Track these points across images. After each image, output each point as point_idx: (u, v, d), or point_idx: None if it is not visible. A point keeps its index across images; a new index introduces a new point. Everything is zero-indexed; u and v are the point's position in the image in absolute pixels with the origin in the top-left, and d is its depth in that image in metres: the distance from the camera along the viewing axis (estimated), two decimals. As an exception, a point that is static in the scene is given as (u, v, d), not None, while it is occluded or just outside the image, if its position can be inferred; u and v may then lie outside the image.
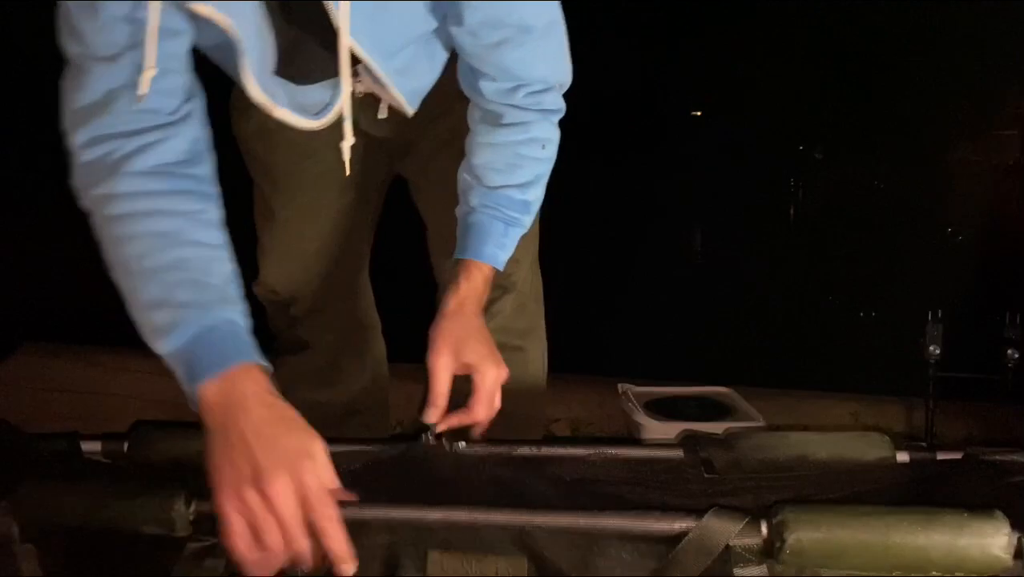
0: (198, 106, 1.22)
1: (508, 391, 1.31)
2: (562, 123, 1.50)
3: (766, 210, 2.67)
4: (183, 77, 1.20)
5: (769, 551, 1.04)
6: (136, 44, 1.13)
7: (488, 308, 1.54)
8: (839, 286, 2.71)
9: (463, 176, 1.41)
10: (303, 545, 1.02)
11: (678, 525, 1.03)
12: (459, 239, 1.38)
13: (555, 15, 1.29)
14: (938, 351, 1.79)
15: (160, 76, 1.20)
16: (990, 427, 1.54)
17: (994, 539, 0.91)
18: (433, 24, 1.29)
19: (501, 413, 1.29)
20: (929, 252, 2.63)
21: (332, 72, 1.33)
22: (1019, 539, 0.94)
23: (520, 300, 1.59)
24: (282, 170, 1.49)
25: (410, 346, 1.60)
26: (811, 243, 2.74)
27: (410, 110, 1.39)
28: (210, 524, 1.19)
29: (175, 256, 1.14)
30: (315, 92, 1.34)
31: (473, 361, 1.30)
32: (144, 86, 1.24)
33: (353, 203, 1.62)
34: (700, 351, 2.16)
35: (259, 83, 1.27)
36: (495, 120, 1.35)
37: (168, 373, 1.31)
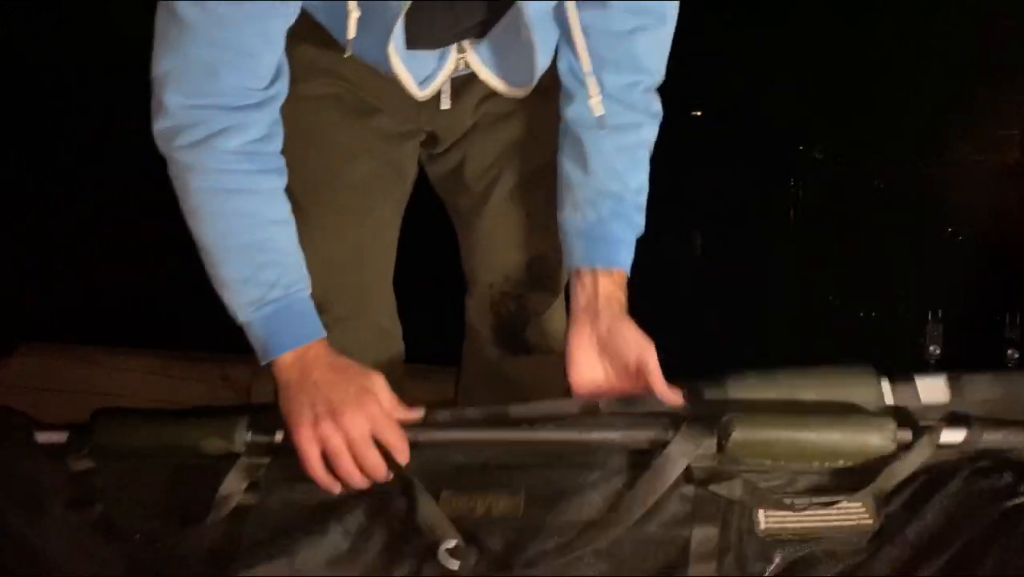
0: (286, 83, 1.25)
1: None
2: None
3: (766, 210, 2.66)
4: (282, 53, 1.23)
5: (721, 448, 1.24)
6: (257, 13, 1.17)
7: (543, 313, 1.54)
8: (839, 286, 2.71)
9: (572, 183, 1.41)
10: (374, 462, 1.22)
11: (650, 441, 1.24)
12: (586, 248, 1.37)
13: (676, 9, 1.30)
14: (938, 351, 1.80)
15: (275, 38, 1.22)
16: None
17: (883, 432, 1.21)
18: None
19: None
20: (929, 252, 2.63)
21: (448, 39, 1.33)
22: (897, 432, 1.22)
23: (562, 304, 1.58)
24: (321, 173, 1.46)
25: (418, 346, 1.60)
26: (811, 243, 2.73)
27: (503, 87, 1.36)
28: (263, 449, 1.32)
29: (260, 237, 1.27)
30: (422, 60, 1.33)
31: (628, 347, 1.29)
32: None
33: (393, 207, 1.60)
34: (699, 351, 2.16)
35: (396, 42, 1.26)
36: (609, 121, 1.33)
37: (167, 373, 1.40)
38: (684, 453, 1.25)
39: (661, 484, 1.24)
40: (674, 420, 1.28)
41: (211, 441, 1.33)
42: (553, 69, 1.38)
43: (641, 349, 1.28)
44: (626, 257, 1.35)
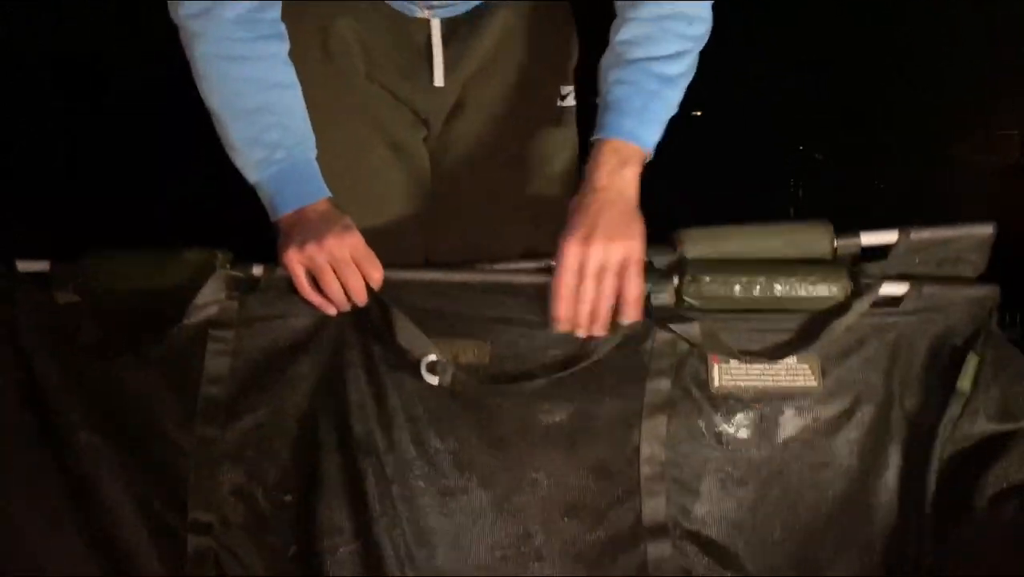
0: None
1: None
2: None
3: (766, 211, 2.68)
4: None
5: (678, 293, 1.33)
6: None
7: None
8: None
9: (603, 61, 1.41)
10: (356, 282, 1.32)
11: None
12: (597, 122, 1.36)
13: None
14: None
15: None
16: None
17: (835, 281, 1.33)
18: None
19: None
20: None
21: None
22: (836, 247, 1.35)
23: None
24: (340, 163, 1.48)
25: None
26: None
27: None
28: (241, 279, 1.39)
29: (263, 100, 1.34)
30: None
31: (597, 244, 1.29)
32: None
33: (411, 200, 1.61)
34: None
35: None
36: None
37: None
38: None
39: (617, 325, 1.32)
40: None
41: (190, 272, 1.38)
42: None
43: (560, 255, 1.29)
44: (632, 126, 1.35)
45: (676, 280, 1.33)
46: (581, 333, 1.30)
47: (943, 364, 1.35)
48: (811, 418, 1.35)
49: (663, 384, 1.34)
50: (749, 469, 1.35)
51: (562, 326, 1.30)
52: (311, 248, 1.30)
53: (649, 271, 1.34)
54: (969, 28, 2.64)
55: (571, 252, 1.27)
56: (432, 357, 1.30)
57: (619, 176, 1.32)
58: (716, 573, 1.36)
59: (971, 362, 1.35)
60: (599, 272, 1.26)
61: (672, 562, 1.34)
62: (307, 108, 1.39)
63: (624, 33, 1.37)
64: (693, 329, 1.33)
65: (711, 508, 1.35)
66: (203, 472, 1.35)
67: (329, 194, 1.36)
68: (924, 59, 2.75)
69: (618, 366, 1.35)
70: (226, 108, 1.34)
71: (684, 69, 1.38)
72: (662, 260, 1.36)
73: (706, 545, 1.35)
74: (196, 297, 1.35)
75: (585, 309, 1.28)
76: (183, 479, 1.35)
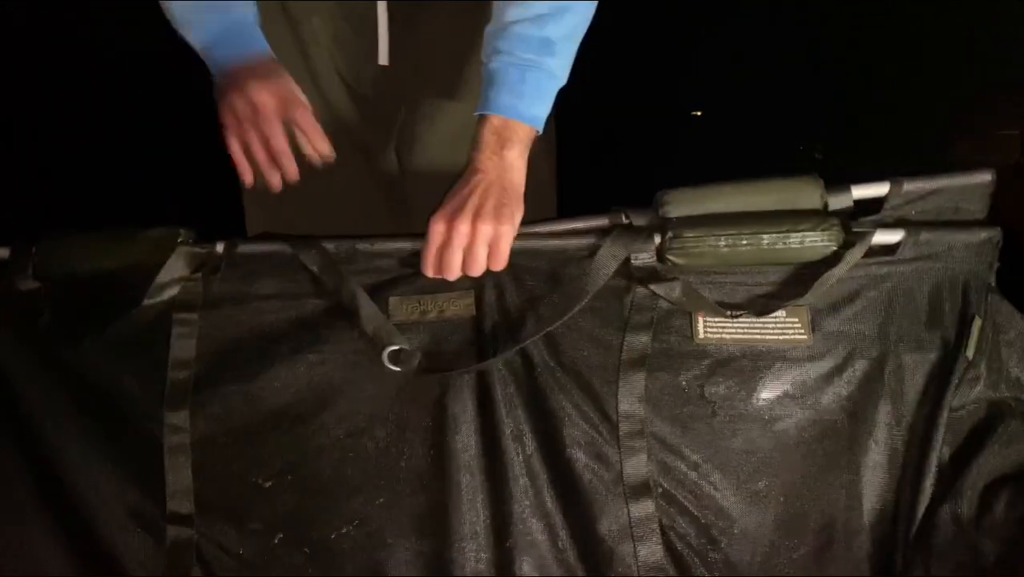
0: None
1: None
2: (560, 122, 1.48)
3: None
4: None
5: (660, 252, 1.29)
6: None
7: None
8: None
9: (486, 27, 1.37)
10: (279, 141, 1.30)
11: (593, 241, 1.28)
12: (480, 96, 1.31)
13: None
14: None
15: None
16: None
17: (825, 231, 1.27)
18: None
19: None
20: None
21: None
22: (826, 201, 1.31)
23: None
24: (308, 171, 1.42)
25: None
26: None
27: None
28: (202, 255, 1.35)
29: None
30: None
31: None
32: None
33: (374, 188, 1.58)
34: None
35: None
36: None
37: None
38: (618, 251, 1.29)
39: (597, 278, 1.29)
40: (612, 227, 1.32)
41: (150, 250, 1.34)
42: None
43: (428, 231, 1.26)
44: (508, 101, 1.30)
45: (658, 238, 1.29)
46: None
47: (943, 316, 1.31)
48: (800, 372, 1.31)
49: (641, 339, 1.30)
50: (734, 425, 1.31)
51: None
52: (233, 96, 1.28)
53: (630, 230, 1.30)
54: (969, 28, 2.63)
55: (436, 230, 1.25)
56: (394, 347, 1.27)
57: (499, 158, 1.28)
58: (700, 531, 1.31)
59: (976, 327, 1.31)
60: (465, 247, 1.25)
61: (655, 520, 1.29)
62: None
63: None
64: (674, 289, 1.29)
65: (694, 465, 1.31)
66: (176, 460, 1.31)
67: (271, 54, 1.33)
68: (924, 59, 2.74)
69: (597, 321, 1.32)
70: None
71: (566, 31, 1.32)
72: (643, 219, 1.32)
73: (689, 502, 1.31)
74: (158, 275, 1.31)
75: (451, 273, 1.27)
76: (156, 468, 1.31)
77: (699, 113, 2.81)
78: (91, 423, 1.33)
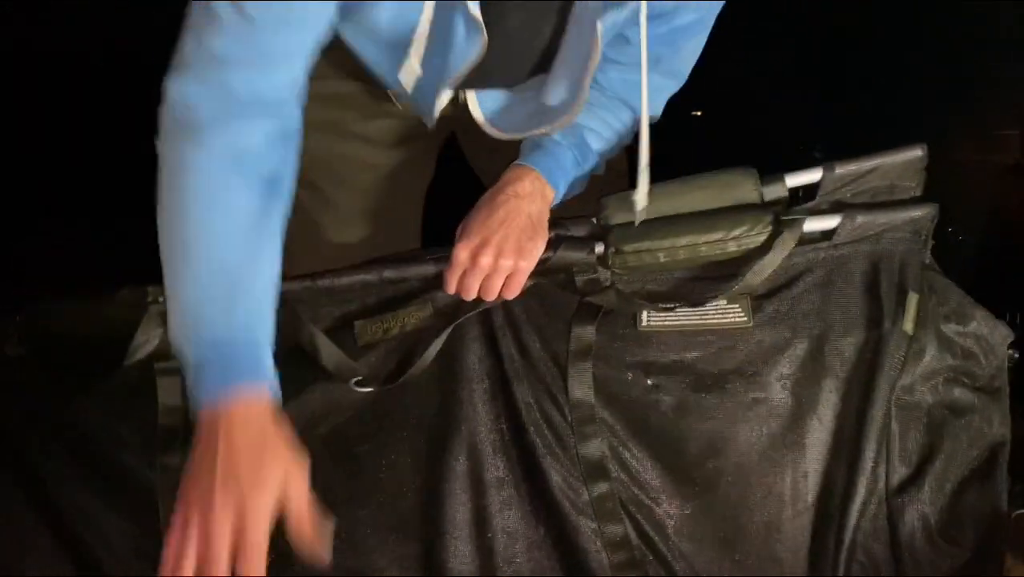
0: (297, 106, 1.18)
1: None
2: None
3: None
4: (302, 73, 1.17)
5: (601, 238, 1.33)
6: (296, 20, 1.12)
7: None
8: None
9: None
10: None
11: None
12: (522, 152, 1.36)
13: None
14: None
15: (297, 55, 1.17)
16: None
17: (755, 222, 1.30)
18: None
19: None
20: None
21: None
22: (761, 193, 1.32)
23: None
24: (350, 166, 1.49)
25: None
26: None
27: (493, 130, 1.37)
28: None
29: (227, 259, 1.11)
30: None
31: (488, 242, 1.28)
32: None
33: (412, 202, 1.62)
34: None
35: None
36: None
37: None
38: (563, 260, 1.34)
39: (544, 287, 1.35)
40: (559, 240, 1.35)
41: (123, 312, 1.36)
42: None
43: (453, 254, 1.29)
44: (551, 167, 1.35)
45: (600, 248, 1.34)
46: None
47: (880, 294, 1.34)
48: (743, 354, 1.35)
49: (587, 331, 1.35)
50: (680, 408, 1.35)
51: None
52: (193, 521, 1.02)
53: (574, 243, 1.35)
54: (970, 28, 2.63)
55: (460, 259, 1.29)
56: (358, 378, 1.34)
57: (540, 198, 1.33)
58: (655, 509, 1.36)
59: (912, 301, 1.34)
60: (485, 273, 1.29)
61: (615, 499, 1.34)
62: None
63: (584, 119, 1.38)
64: (610, 297, 1.34)
65: (643, 448, 1.36)
66: (172, 500, 1.34)
67: (275, 387, 1.10)
68: (924, 59, 2.75)
69: (548, 318, 1.38)
70: (176, 251, 1.11)
71: (607, 151, 1.41)
72: (584, 229, 1.37)
73: (642, 484, 1.35)
74: (136, 336, 1.35)
75: (468, 296, 1.31)
76: (153, 507, 1.33)
77: (699, 113, 2.83)
78: (90, 472, 1.36)
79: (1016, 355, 1.85)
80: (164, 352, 1.35)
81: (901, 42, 2.81)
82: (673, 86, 1.37)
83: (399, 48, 1.23)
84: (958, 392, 1.36)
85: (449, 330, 1.33)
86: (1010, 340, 1.39)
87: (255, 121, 1.13)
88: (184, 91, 1.10)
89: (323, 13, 1.13)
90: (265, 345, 1.10)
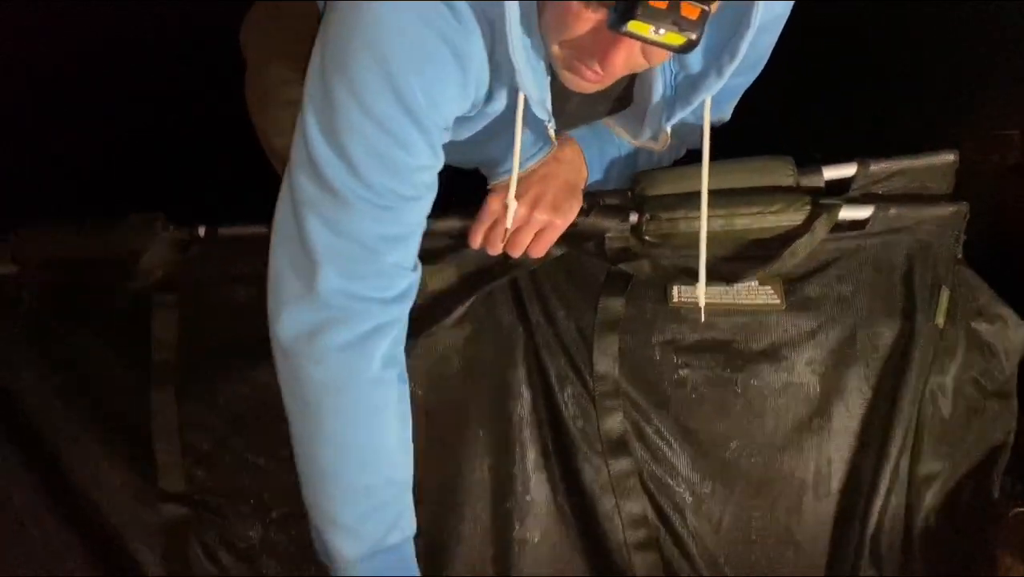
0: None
1: None
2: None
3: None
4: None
5: (634, 229, 1.30)
6: (418, 195, 1.09)
7: None
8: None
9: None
10: None
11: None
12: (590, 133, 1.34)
13: None
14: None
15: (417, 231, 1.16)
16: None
17: (792, 205, 1.29)
18: None
19: None
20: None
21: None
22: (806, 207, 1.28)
23: None
24: None
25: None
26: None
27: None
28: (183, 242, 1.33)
29: (388, 467, 1.13)
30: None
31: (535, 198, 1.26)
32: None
33: None
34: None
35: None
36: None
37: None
38: (595, 226, 1.32)
39: (571, 244, 1.33)
40: (591, 207, 1.32)
41: (131, 237, 1.35)
42: None
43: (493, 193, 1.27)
44: (590, 139, 1.35)
45: (635, 217, 1.32)
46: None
47: (912, 287, 1.34)
48: (774, 336, 1.34)
49: (615, 304, 1.33)
50: (706, 387, 1.35)
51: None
52: None
53: (607, 210, 1.33)
54: (970, 28, 2.64)
55: (492, 208, 1.26)
56: None
57: (578, 170, 1.32)
58: (676, 489, 1.36)
59: (944, 296, 1.34)
60: (517, 224, 1.27)
61: (635, 476, 1.33)
62: None
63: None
64: (643, 267, 1.33)
65: (666, 426, 1.35)
66: (165, 440, 1.32)
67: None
68: (924, 58, 2.75)
69: (577, 289, 1.36)
70: (343, 478, 1.11)
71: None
72: (618, 199, 1.35)
73: (664, 461, 1.34)
74: (142, 260, 1.33)
75: (494, 250, 1.28)
76: (148, 448, 1.32)
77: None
78: (80, 405, 1.35)
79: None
80: (166, 284, 1.33)
81: (901, 42, 2.82)
82: (715, 125, 1.36)
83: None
84: (976, 391, 1.36)
85: (473, 298, 1.32)
86: None
87: (403, 306, 1.14)
88: (344, 288, 1.07)
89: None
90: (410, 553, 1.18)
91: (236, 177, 1.59)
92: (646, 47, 0.94)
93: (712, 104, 1.26)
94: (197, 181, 1.63)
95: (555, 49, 1.02)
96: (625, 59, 0.97)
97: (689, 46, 0.91)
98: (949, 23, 2.55)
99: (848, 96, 2.93)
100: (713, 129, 1.35)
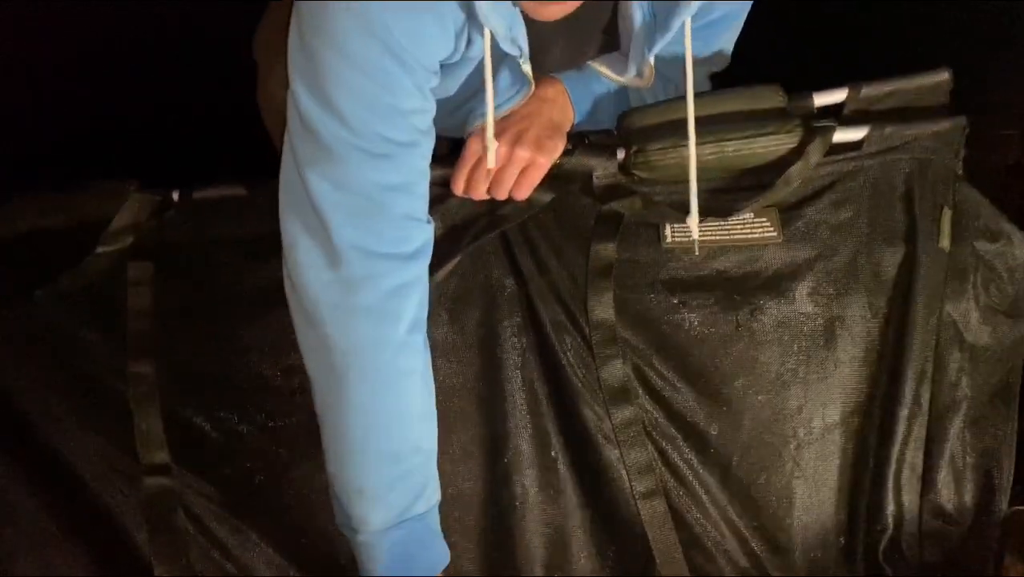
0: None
1: None
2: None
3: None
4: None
5: (622, 166, 1.26)
6: (413, 141, 1.08)
7: None
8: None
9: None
10: None
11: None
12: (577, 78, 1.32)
13: None
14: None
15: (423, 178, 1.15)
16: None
17: (784, 127, 1.25)
18: None
19: None
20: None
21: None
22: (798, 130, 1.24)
23: None
24: None
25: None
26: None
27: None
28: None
29: (415, 433, 1.12)
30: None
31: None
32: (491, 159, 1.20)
33: None
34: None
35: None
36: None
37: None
38: (582, 165, 1.28)
39: (558, 186, 1.29)
40: (576, 146, 1.29)
41: (102, 202, 1.31)
42: None
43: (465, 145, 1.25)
44: (573, 84, 1.32)
45: (622, 153, 1.29)
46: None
47: (913, 207, 1.30)
48: (773, 269, 1.30)
49: (607, 249, 1.30)
50: (706, 326, 1.31)
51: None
52: None
53: (593, 147, 1.30)
54: (970, 28, 2.64)
55: (472, 149, 1.24)
56: None
57: (562, 109, 1.30)
58: (682, 433, 1.31)
59: (946, 216, 1.30)
60: (500, 164, 1.24)
61: (638, 424, 1.29)
62: None
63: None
64: (635, 204, 1.30)
65: (670, 368, 1.31)
66: (145, 411, 1.28)
67: (447, 559, 1.16)
68: (923, 58, 2.74)
69: (566, 235, 1.33)
70: (368, 444, 1.09)
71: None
72: (604, 137, 1.32)
73: (668, 406, 1.30)
74: (112, 222, 1.30)
75: (477, 193, 1.26)
76: (127, 419, 1.28)
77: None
78: (56, 377, 1.31)
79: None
80: (140, 250, 1.29)
81: (900, 42, 2.82)
82: (716, 67, 1.36)
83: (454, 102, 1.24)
84: (989, 312, 1.31)
85: (459, 258, 1.28)
86: None
87: (421, 263, 1.13)
88: (360, 245, 1.06)
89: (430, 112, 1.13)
90: (435, 523, 1.17)
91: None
92: None
93: (705, 37, 1.24)
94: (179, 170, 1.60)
95: None
96: None
97: None
98: (948, 23, 2.56)
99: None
100: (714, 75, 1.35)
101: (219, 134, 1.74)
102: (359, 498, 1.08)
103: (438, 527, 1.15)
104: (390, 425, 1.08)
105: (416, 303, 1.10)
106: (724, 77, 1.39)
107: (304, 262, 1.06)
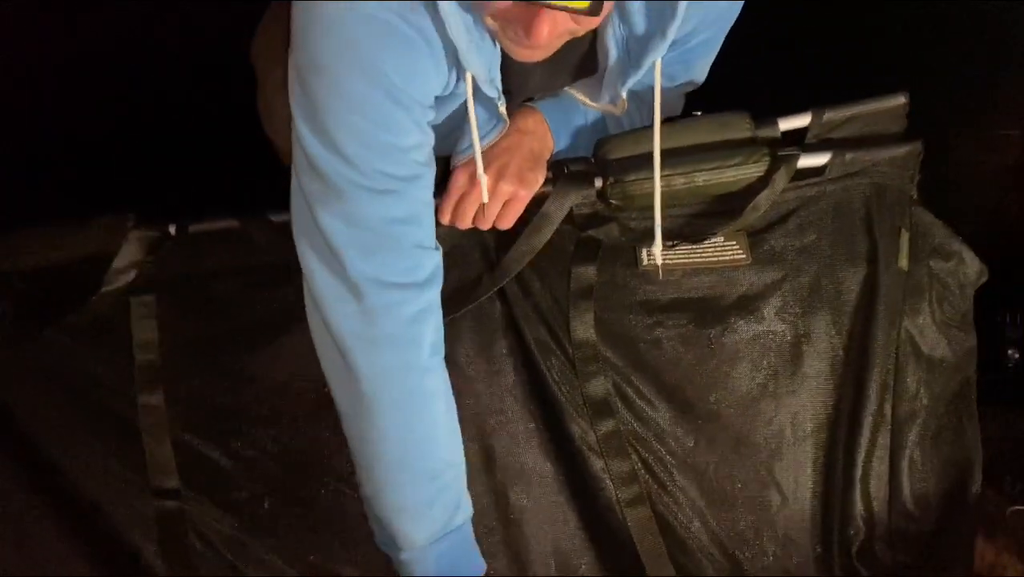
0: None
1: None
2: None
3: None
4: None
5: (600, 194, 1.32)
6: (416, 174, 1.12)
7: None
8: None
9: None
10: None
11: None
12: (551, 104, 1.36)
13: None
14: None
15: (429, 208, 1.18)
16: (991, 427, 1.56)
17: (753, 157, 1.31)
18: None
19: None
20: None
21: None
22: (755, 134, 1.31)
23: None
24: None
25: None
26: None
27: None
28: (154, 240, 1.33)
29: (447, 450, 1.18)
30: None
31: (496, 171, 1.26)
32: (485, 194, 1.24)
33: None
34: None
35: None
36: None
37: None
38: (563, 200, 1.34)
39: (549, 225, 1.34)
40: (556, 176, 1.34)
41: (101, 238, 1.36)
42: None
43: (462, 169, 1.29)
44: (555, 114, 1.37)
45: (599, 182, 1.37)
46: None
47: (873, 229, 1.38)
48: (742, 290, 1.38)
49: (588, 272, 1.37)
50: (681, 344, 1.38)
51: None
52: None
53: (573, 178, 1.36)
54: (970, 27, 2.66)
55: (458, 183, 1.27)
56: None
57: (541, 139, 1.35)
58: (661, 445, 1.39)
59: (904, 238, 1.38)
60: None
61: (620, 436, 1.37)
62: None
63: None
64: (612, 231, 1.37)
65: (646, 384, 1.39)
66: (155, 439, 1.35)
67: (485, 568, 1.22)
68: (923, 58, 2.77)
69: (550, 260, 1.40)
70: (404, 464, 1.15)
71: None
72: (582, 166, 1.39)
73: (646, 420, 1.38)
74: (114, 261, 1.35)
75: (463, 224, 1.31)
76: (136, 446, 1.35)
77: (699, 113, 2.85)
78: (67, 407, 1.37)
79: (1016, 355, 1.88)
80: (141, 284, 1.36)
81: (901, 43, 2.84)
82: (690, 88, 1.40)
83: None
84: (944, 326, 1.38)
85: (469, 307, 1.35)
86: (984, 278, 1.44)
87: (435, 289, 1.18)
88: (376, 277, 1.12)
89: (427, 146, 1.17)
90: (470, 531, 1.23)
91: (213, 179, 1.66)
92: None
93: (676, 66, 1.31)
94: (172, 184, 1.65)
95: (489, 22, 1.06)
96: (551, 28, 0.99)
97: (595, 9, 0.94)
98: (948, 23, 2.58)
99: (847, 97, 2.95)
100: (691, 94, 1.40)
101: (219, 134, 1.77)
102: (401, 517, 1.13)
103: (473, 538, 1.22)
104: (423, 445, 1.13)
105: (433, 327, 1.16)
106: (693, 93, 1.45)
107: (326, 296, 1.11)
